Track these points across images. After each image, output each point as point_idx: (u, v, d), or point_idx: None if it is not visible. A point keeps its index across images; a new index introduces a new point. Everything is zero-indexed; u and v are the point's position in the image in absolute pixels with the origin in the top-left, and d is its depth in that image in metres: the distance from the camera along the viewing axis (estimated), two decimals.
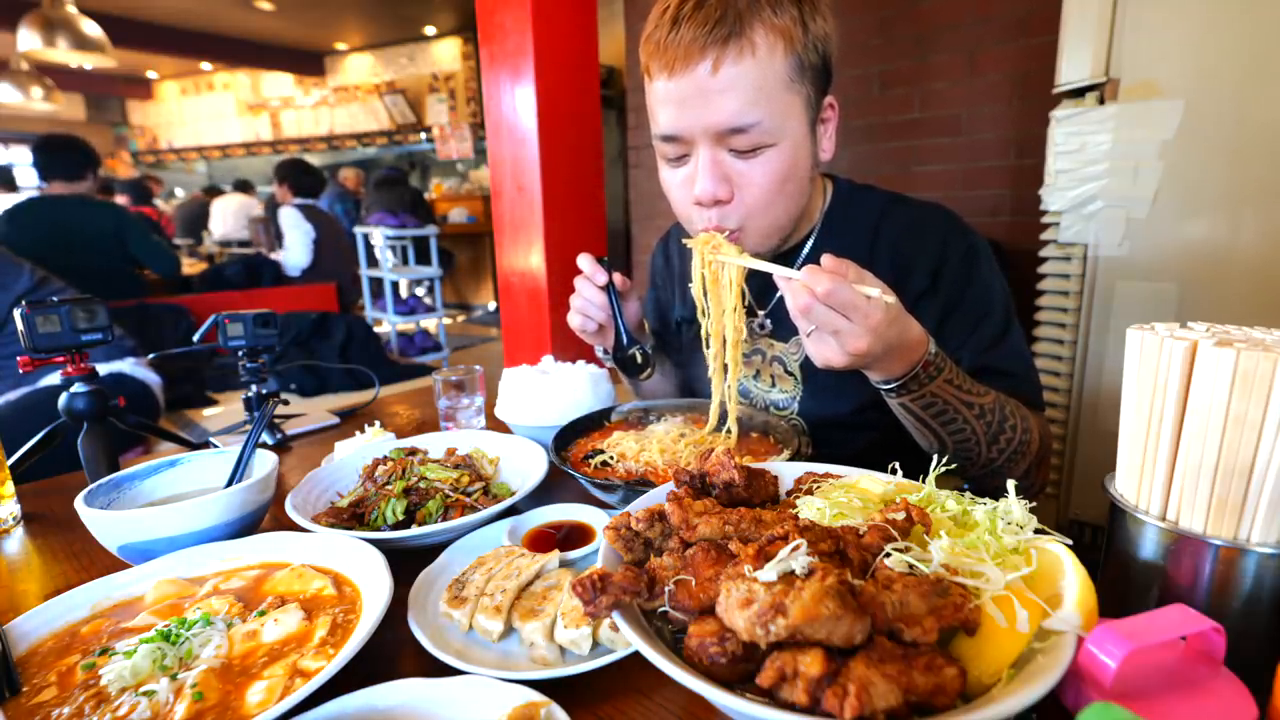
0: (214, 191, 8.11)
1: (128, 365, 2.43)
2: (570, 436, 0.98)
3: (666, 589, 0.46)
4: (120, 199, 4.60)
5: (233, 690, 0.52)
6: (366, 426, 1.10)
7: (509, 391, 1.11)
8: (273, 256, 4.67)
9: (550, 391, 1.07)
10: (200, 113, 9.95)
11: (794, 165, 0.86)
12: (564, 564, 0.69)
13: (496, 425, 1.16)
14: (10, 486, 0.91)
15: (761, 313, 1.06)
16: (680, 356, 1.22)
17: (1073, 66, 1.46)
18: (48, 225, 3.10)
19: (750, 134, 0.81)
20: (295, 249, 4.53)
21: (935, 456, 0.62)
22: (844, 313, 0.67)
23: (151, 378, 2.48)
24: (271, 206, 5.10)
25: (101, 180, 4.87)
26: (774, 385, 1.05)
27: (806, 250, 1.01)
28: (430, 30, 7.82)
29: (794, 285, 0.67)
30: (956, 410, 0.80)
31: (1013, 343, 0.94)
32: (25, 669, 0.55)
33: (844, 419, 1.00)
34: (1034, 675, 0.39)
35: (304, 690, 0.47)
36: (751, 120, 0.80)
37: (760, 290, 1.07)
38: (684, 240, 0.92)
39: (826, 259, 0.68)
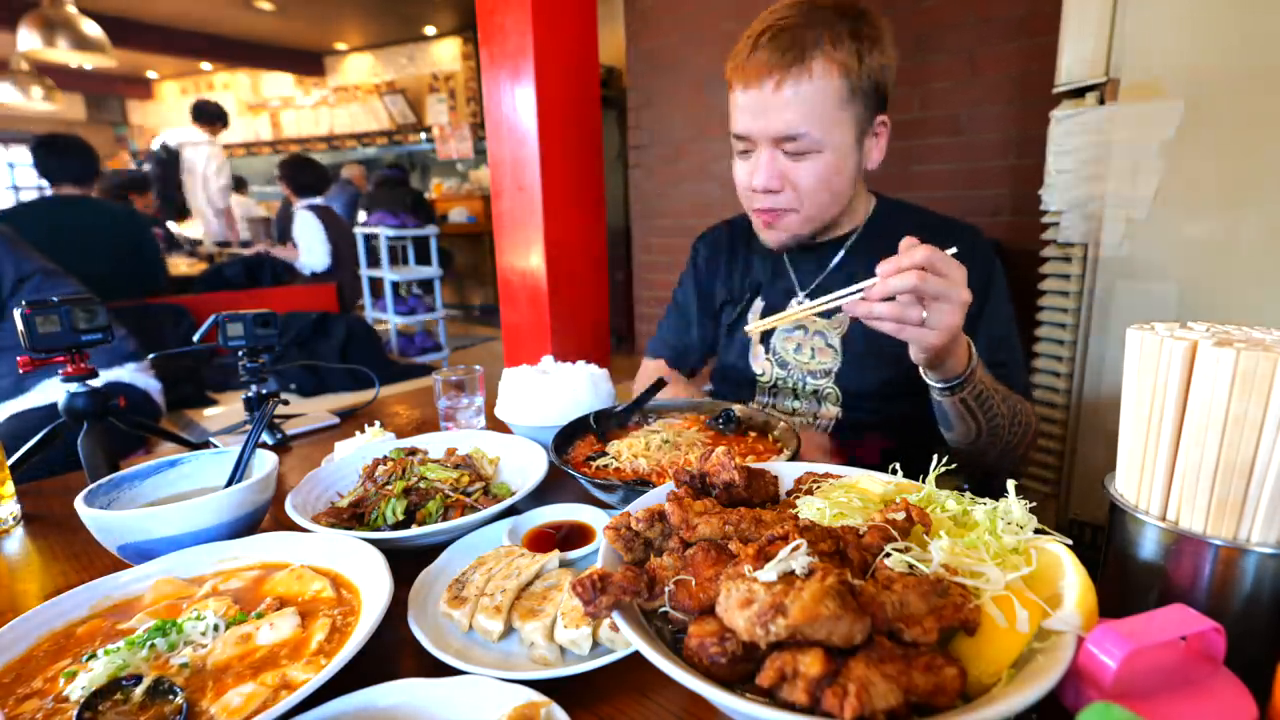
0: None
1: (127, 373, 2.35)
2: (570, 437, 0.97)
3: (666, 589, 0.46)
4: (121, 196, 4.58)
5: (207, 695, 0.51)
6: (366, 426, 1.10)
7: (509, 391, 1.11)
8: (278, 255, 4.64)
9: (550, 391, 1.07)
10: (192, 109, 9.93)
11: (837, 169, 1.02)
12: (564, 564, 0.69)
13: (496, 425, 1.16)
14: (10, 486, 0.91)
15: (802, 294, 1.18)
16: (717, 337, 1.35)
17: (1073, 66, 1.46)
18: (67, 227, 3.04)
19: (800, 141, 0.98)
20: (314, 251, 4.51)
21: (935, 457, 0.62)
22: (944, 273, 0.74)
23: (152, 384, 2.41)
24: (284, 206, 5.08)
25: (115, 175, 4.85)
26: (813, 357, 1.16)
27: (847, 246, 1.16)
28: (430, 30, 7.81)
29: (903, 273, 0.73)
30: (991, 395, 0.90)
31: (1011, 340, 1.08)
32: (20, 673, 0.55)
33: (878, 390, 1.12)
34: (1034, 675, 0.39)
35: (286, 703, 0.46)
36: (801, 131, 0.97)
37: (806, 275, 1.20)
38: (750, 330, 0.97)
39: (905, 240, 0.76)
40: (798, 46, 0.94)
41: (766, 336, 1.22)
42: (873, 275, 1.10)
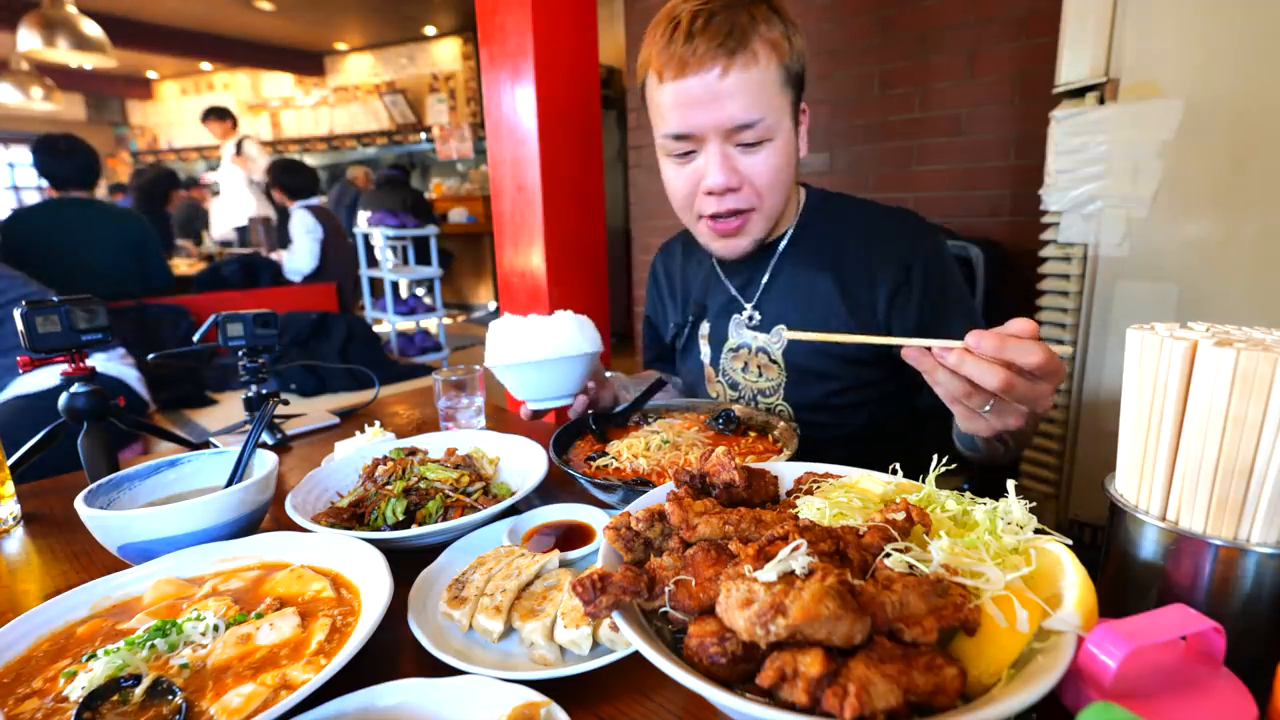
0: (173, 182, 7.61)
1: (99, 362, 2.14)
2: (571, 436, 0.97)
3: (666, 589, 0.46)
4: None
5: (207, 695, 0.51)
6: (366, 426, 1.10)
7: (497, 337, 1.05)
8: (273, 257, 4.63)
9: (539, 330, 1.02)
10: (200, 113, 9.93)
11: (789, 157, 0.97)
12: (564, 564, 0.69)
13: (497, 425, 1.16)
14: (10, 486, 0.91)
15: (749, 306, 1.11)
16: (675, 356, 1.31)
17: (1073, 66, 1.46)
18: (71, 230, 3.01)
19: (755, 129, 0.91)
20: (301, 253, 4.47)
21: (935, 457, 0.62)
22: (1040, 378, 0.62)
23: (128, 373, 2.30)
24: (278, 209, 5.03)
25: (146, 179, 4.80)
26: (760, 375, 1.10)
27: (782, 248, 1.09)
28: (430, 30, 7.81)
29: (993, 368, 0.59)
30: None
31: (979, 322, 1.04)
32: (21, 673, 0.55)
33: (827, 403, 1.07)
34: (1034, 675, 0.39)
35: (286, 703, 0.46)
36: (756, 117, 0.90)
37: (744, 284, 1.13)
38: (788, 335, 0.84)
39: (1017, 324, 0.61)
40: (738, 29, 0.87)
41: (716, 358, 1.16)
42: (816, 275, 1.06)
